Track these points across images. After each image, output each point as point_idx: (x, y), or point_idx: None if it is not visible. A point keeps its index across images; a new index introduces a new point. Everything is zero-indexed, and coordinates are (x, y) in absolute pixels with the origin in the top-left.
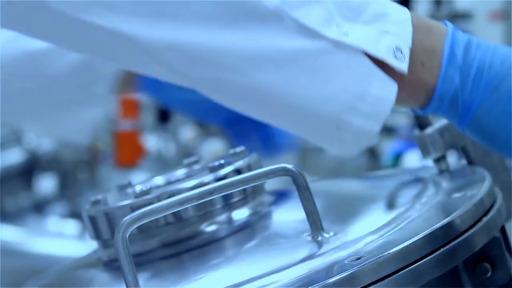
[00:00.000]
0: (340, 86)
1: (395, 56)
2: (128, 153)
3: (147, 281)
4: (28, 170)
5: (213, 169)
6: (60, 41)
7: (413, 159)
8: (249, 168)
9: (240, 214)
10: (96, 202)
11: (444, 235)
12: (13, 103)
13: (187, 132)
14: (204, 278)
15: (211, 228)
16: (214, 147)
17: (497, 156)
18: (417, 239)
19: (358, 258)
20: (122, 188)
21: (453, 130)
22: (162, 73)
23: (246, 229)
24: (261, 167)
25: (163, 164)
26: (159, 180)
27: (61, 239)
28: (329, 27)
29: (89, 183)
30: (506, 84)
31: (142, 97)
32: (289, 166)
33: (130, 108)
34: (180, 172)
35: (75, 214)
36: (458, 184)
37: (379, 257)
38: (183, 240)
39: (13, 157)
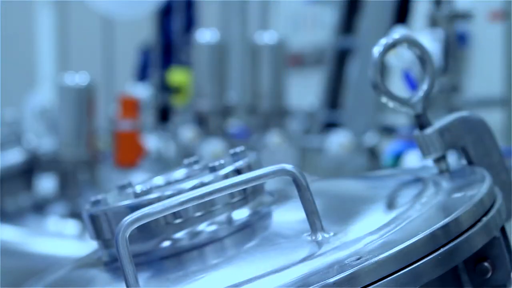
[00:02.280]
0: None
1: None
2: (128, 153)
3: (147, 281)
4: (28, 170)
5: (213, 169)
6: None
7: (413, 159)
8: (249, 168)
9: (240, 214)
10: (96, 202)
11: (444, 235)
12: None
13: (187, 132)
14: (204, 278)
15: (211, 228)
16: (214, 147)
17: (497, 156)
18: (417, 239)
19: (358, 258)
20: (122, 188)
21: (453, 130)
22: None
23: (246, 229)
24: (261, 167)
25: (163, 164)
26: (159, 180)
27: (61, 239)
28: None
29: (89, 183)
30: None
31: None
32: (289, 166)
33: (130, 108)
34: (180, 172)
35: (75, 214)
36: (458, 184)
37: (379, 257)
38: (183, 240)
39: (13, 157)
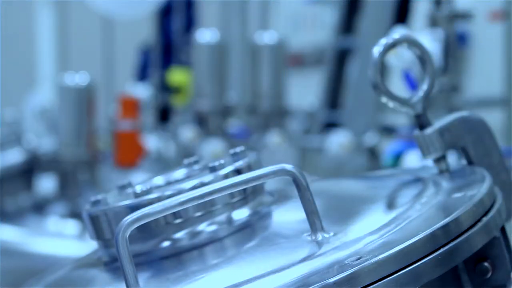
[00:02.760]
0: None
1: None
2: (128, 153)
3: (147, 281)
4: (28, 170)
5: (213, 169)
6: None
7: (413, 159)
8: (249, 168)
9: (240, 214)
10: (96, 202)
11: (444, 235)
12: None
13: (187, 132)
14: (204, 278)
15: (211, 228)
16: (214, 147)
17: (497, 156)
18: (417, 239)
19: (358, 258)
20: (122, 188)
21: (453, 130)
22: None
23: (246, 229)
24: (261, 167)
25: (163, 164)
26: (159, 180)
27: (61, 239)
28: None
29: (89, 183)
30: None
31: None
32: (289, 166)
33: (130, 108)
34: (180, 172)
35: (75, 214)
36: (458, 184)
37: (379, 257)
38: (183, 240)
39: (13, 157)
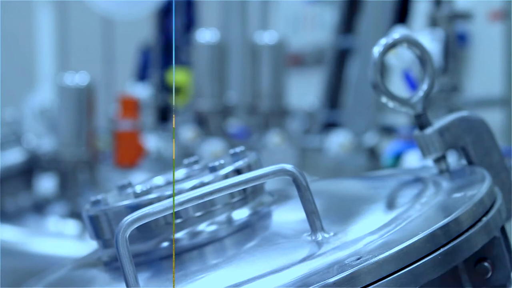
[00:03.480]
0: None
1: None
2: (128, 153)
3: (147, 281)
4: (28, 170)
5: (213, 169)
6: None
7: (413, 159)
8: (249, 168)
9: (240, 214)
10: (96, 202)
11: (444, 235)
12: None
13: (187, 132)
14: (204, 278)
15: (211, 228)
16: (214, 147)
17: (497, 156)
18: (417, 239)
19: (358, 258)
20: (122, 188)
21: (453, 130)
22: None
23: (246, 229)
24: (261, 167)
25: (163, 164)
26: (159, 180)
27: (61, 239)
28: None
29: (89, 183)
30: None
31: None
32: (289, 166)
33: (130, 108)
34: (180, 172)
35: (75, 214)
36: (458, 184)
37: (379, 257)
38: (183, 240)
39: (13, 157)
